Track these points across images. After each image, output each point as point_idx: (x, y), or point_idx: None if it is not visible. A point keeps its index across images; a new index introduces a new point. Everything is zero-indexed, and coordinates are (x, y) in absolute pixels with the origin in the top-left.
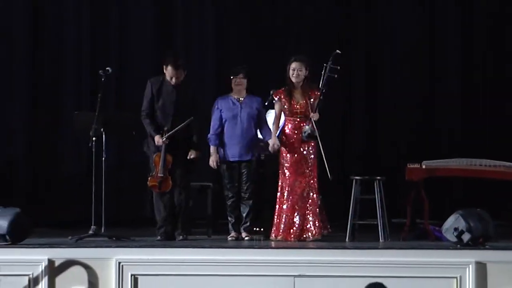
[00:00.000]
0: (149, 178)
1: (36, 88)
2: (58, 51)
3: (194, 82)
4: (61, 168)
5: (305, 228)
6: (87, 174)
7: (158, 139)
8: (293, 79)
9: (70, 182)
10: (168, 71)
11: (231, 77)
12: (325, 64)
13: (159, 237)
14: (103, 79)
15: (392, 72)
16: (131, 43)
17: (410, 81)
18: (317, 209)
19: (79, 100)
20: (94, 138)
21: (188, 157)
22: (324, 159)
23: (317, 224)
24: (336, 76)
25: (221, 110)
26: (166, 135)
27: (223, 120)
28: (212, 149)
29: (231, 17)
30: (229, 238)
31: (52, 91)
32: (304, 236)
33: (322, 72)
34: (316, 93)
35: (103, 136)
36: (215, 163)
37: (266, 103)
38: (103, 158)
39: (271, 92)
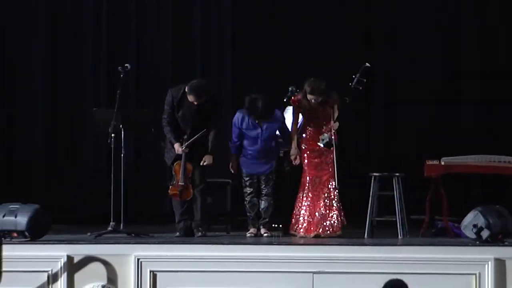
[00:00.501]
0: (170, 187)
1: (55, 85)
2: (77, 48)
3: (213, 83)
4: (80, 164)
5: (326, 223)
6: (106, 170)
7: (178, 148)
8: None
9: (89, 179)
10: (190, 97)
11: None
12: (353, 76)
13: (178, 233)
14: (121, 75)
15: (408, 69)
16: (150, 41)
17: (427, 78)
18: (338, 205)
19: (98, 97)
20: (113, 135)
21: (201, 164)
22: (335, 168)
23: (339, 219)
24: (361, 88)
25: (241, 129)
26: (185, 144)
27: (243, 136)
28: (232, 156)
29: (250, 14)
30: (248, 235)
31: (71, 88)
32: (325, 230)
33: (350, 84)
34: (335, 100)
35: (122, 132)
36: (234, 170)
37: (284, 100)
38: (122, 155)
39: (290, 89)
